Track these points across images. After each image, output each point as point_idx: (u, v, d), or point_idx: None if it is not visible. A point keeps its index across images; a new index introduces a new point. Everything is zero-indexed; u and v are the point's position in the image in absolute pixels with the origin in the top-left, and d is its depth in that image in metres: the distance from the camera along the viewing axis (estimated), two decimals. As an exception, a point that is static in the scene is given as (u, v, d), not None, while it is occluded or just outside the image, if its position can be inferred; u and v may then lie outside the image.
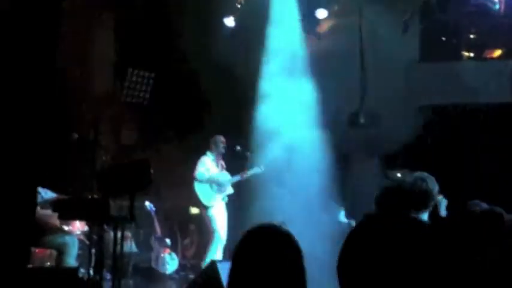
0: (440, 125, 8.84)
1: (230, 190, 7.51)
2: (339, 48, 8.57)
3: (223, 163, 7.58)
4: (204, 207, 7.41)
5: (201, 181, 7.38)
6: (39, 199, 5.63)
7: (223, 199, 7.47)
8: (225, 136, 7.64)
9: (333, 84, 8.66)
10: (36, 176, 4.74)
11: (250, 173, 7.53)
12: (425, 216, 3.97)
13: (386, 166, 9.38)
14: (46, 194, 5.79)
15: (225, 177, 7.49)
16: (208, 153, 7.51)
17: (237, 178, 7.55)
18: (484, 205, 4.30)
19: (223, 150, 7.51)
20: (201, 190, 7.42)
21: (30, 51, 4.20)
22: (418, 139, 8.90)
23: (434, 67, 8.66)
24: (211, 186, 7.39)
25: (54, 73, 4.13)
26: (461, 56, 8.96)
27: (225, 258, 7.32)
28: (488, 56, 8.88)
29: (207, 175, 7.39)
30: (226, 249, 7.95)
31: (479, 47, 8.88)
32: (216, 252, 7.31)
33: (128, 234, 7.16)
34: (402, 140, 8.93)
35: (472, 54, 9.02)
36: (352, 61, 8.15)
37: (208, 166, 7.45)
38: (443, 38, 9.05)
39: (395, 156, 9.08)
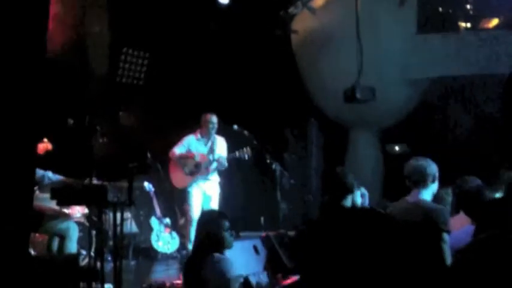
0: (438, 97, 8.82)
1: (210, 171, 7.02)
2: (335, 23, 8.52)
3: (214, 143, 7.07)
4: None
5: (171, 159, 7.08)
6: (45, 180, 5.66)
7: (203, 179, 7.03)
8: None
9: (329, 58, 8.65)
10: (34, 161, 4.74)
11: (238, 154, 6.95)
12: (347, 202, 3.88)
13: (385, 140, 9.41)
14: (53, 176, 5.79)
15: (202, 157, 6.98)
16: (197, 132, 7.13)
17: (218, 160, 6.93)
18: (477, 181, 4.27)
19: (211, 131, 7.01)
20: (173, 170, 7.17)
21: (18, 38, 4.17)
22: (415, 112, 8.90)
23: (431, 39, 8.57)
24: (184, 167, 7.05)
25: (44, 59, 4.06)
26: (458, 27, 8.87)
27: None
28: (485, 26, 8.78)
29: (177, 153, 7.04)
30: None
31: (476, 18, 8.79)
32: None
33: (128, 215, 7.21)
34: (400, 113, 8.94)
35: (468, 25, 8.93)
36: (348, 35, 8.06)
37: (189, 145, 7.07)
38: (440, 9, 8.95)
39: (394, 130, 9.07)
